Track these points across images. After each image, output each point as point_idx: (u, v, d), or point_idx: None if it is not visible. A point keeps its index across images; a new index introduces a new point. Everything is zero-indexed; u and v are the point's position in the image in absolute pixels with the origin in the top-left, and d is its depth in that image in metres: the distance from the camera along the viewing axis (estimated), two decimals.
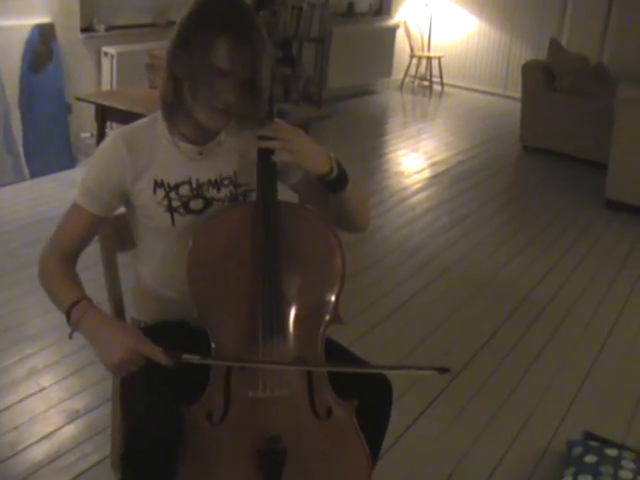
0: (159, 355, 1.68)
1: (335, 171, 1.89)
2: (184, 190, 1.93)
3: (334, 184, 1.91)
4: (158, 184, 1.92)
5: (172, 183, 1.92)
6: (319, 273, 1.90)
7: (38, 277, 1.88)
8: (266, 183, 1.87)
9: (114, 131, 2.01)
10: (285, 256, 1.82)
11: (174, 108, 1.88)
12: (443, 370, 1.75)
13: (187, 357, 1.68)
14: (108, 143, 1.94)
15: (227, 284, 1.84)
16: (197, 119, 1.85)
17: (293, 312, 1.83)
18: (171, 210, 1.93)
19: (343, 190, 1.93)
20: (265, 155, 1.86)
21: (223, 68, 1.75)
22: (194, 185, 1.94)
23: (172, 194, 1.92)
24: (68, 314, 1.76)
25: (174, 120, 1.90)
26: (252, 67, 1.77)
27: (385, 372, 1.92)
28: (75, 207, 1.92)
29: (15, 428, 2.80)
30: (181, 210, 1.93)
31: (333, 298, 1.89)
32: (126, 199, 1.95)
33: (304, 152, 1.85)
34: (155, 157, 1.92)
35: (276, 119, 1.91)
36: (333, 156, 1.91)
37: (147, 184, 1.91)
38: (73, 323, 1.75)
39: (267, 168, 1.87)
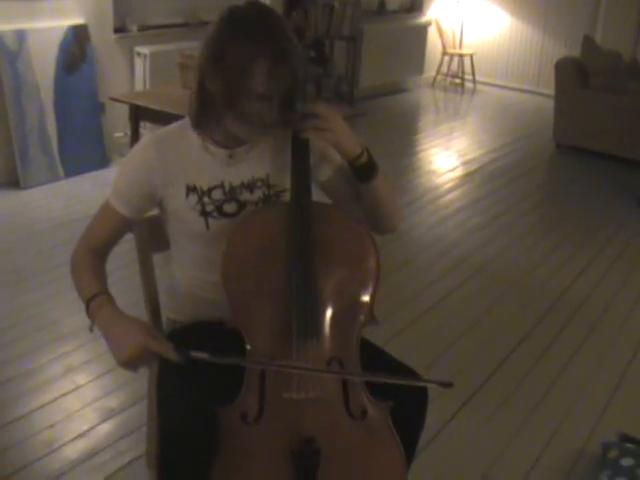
0: (169, 352, 1.70)
1: (365, 155, 1.92)
2: (217, 194, 1.94)
3: (365, 170, 1.93)
4: (191, 189, 1.92)
5: (205, 187, 1.93)
6: (353, 273, 1.90)
7: (70, 269, 1.93)
8: (300, 183, 1.88)
9: (146, 136, 2.01)
10: (319, 257, 1.82)
11: (205, 119, 1.88)
12: (446, 384, 1.75)
13: (195, 355, 1.69)
14: (139, 148, 1.96)
15: (261, 285, 1.84)
16: (230, 130, 1.86)
17: (328, 313, 1.83)
18: (205, 214, 1.93)
19: (374, 178, 1.95)
20: (300, 146, 1.89)
21: (260, 92, 1.74)
22: (227, 189, 1.95)
23: (205, 199, 1.93)
24: (87, 306, 1.81)
25: (204, 129, 1.91)
26: (289, 87, 1.76)
27: (385, 380, 1.83)
28: (107, 206, 1.96)
29: (51, 426, 2.83)
30: (215, 214, 1.94)
31: (368, 298, 1.88)
32: (158, 203, 1.97)
33: (340, 130, 1.88)
34: (187, 162, 1.92)
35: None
36: (363, 145, 1.93)
37: (179, 189, 1.92)
38: (90, 316, 1.80)
39: (301, 165, 1.89)
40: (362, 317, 1.87)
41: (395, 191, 5.83)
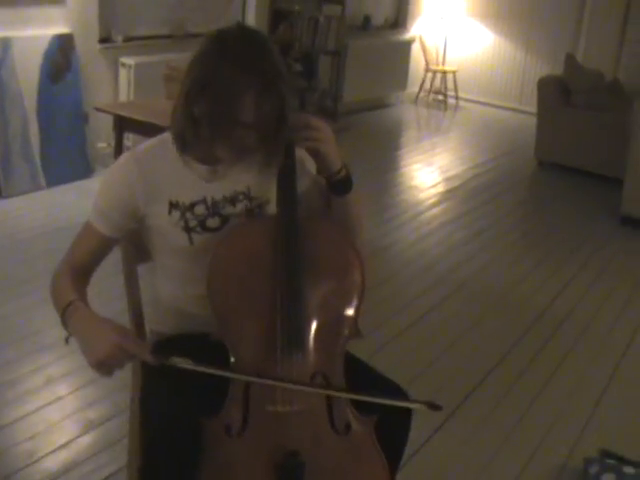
0: (145, 354, 1.67)
1: (344, 171, 1.95)
2: (200, 209, 1.93)
3: (341, 184, 1.96)
4: (173, 205, 1.91)
5: (187, 203, 1.92)
6: (339, 287, 1.90)
7: (50, 293, 1.87)
8: (287, 195, 1.89)
9: (125, 153, 1.99)
10: (305, 270, 1.82)
11: (190, 143, 1.86)
12: (435, 407, 1.71)
13: (176, 360, 1.66)
14: (119, 165, 1.93)
15: (246, 298, 1.84)
16: (214, 154, 1.85)
17: (312, 327, 1.83)
18: (188, 230, 1.93)
19: (348, 192, 1.98)
20: (288, 158, 1.90)
21: (247, 122, 1.73)
22: (209, 203, 1.94)
23: (188, 214, 1.92)
24: (62, 315, 1.75)
25: (188, 149, 1.89)
26: (278, 115, 1.74)
27: (372, 400, 1.78)
28: (87, 226, 1.93)
29: (31, 437, 2.80)
30: (198, 229, 1.93)
31: (352, 312, 1.88)
32: (139, 220, 1.95)
33: (329, 142, 1.90)
34: (168, 178, 1.91)
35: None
36: (342, 160, 1.95)
37: (162, 205, 1.91)
38: (65, 323, 1.74)
39: (288, 178, 1.90)
40: (347, 331, 1.87)
41: (377, 207, 5.84)
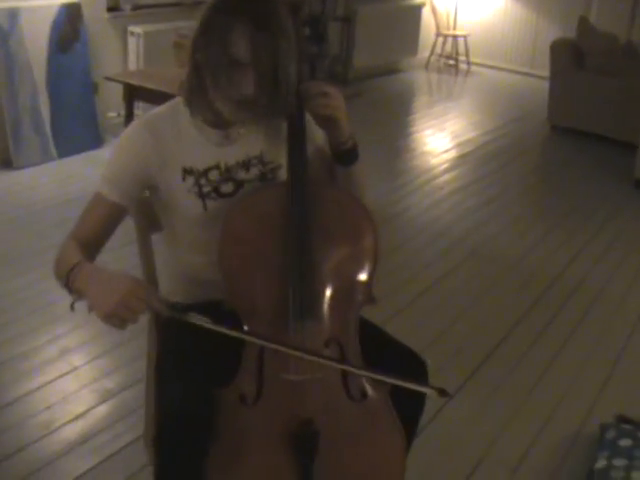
0: (156, 302, 1.64)
1: (351, 141, 1.94)
2: (213, 175, 1.92)
3: (348, 154, 1.95)
4: (187, 171, 1.90)
5: (201, 169, 1.91)
6: (351, 252, 1.89)
7: (53, 269, 1.81)
8: (297, 160, 1.87)
9: (136, 120, 1.98)
10: (316, 235, 1.82)
11: (196, 96, 1.86)
12: (445, 394, 1.70)
13: (192, 316, 1.64)
14: (131, 132, 1.91)
15: (257, 264, 1.84)
16: (218, 110, 1.82)
17: (325, 292, 1.82)
18: (202, 196, 1.91)
19: (354, 163, 1.96)
20: (298, 123, 1.88)
21: (241, 58, 1.71)
22: (223, 169, 1.93)
23: (202, 180, 1.91)
24: (67, 279, 1.69)
25: (196, 107, 1.89)
26: (272, 58, 1.71)
27: (386, 380, 1.75)
28: (97, 196, 1.88)
29: (48, 408, 2.82)
30: (213, 195, 1.92)
31: (366, 277, 1.87)
32: (151, 188, 1.93)
33: (342, 109, 1.88)
34: (181, 144, 1.90)
35: None
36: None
37: (175, 172, 1.90)
38: (71, 285, 1.68)
39: (298, 142, 1.88)
40: (360, 296, 1.86)
41: (389, 172, 5.80)
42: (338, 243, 1.88)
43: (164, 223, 2.06)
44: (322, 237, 1.83)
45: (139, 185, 1.90)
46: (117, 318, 1.59)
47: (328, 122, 1.90)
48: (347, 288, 1.86)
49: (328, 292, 1.83)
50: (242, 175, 1.95)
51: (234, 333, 1.68)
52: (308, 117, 1.92)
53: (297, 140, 1.90)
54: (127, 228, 2.10)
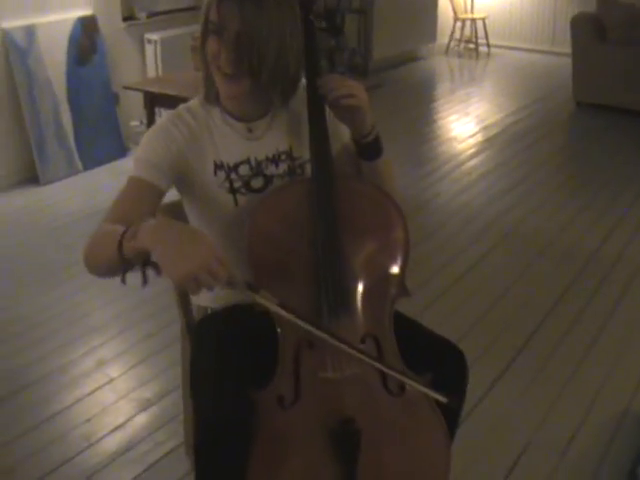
0: (232, 271, 1.52)
1: (374, 133, 1.90)
2: (244, 170, 1.91)
3: (372, 147, 1.91)
4: (218, 165, 1.89)
5: (232, 164, 1.90)
6: (381, 245, 1.86)
7: (83, 258, 1.70)
8: (321, 154, 1.85)
9: (167, 112, 1.97)
10: (345, 230, 1.79)
11: (207, 84, 1.88)
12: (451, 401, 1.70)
13: (264, 294, 1.56)
14: (164, 122, 1.89)
15: (287, 262, 1.81)
16: (219, 91, 1.84)
17: (357, 287, 1.79)
18: (233, 191, 1.90)
19: (378, 157, 1.93)
20: (317, 115, 1.86)
21: (214, 21, 1.73)
22: (253, 164, 1.91)
23: (233, 175, 1.90)
24: (120, 245, 1.51)
25: (209, 95, 1.90)
26: (238, 25, 1.70)
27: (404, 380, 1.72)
28: (131, 180, 1.81)
29: (88, 420, 2.82)
30: (243, 190, 1.91)
31: (398, 270, 1.84)
32: (183, 179, 1.90)
33: (364, 98, 1.85)
34: (211, 137, 1.90)
35: None
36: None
37: (208, 166, 1.89)
38: (128, 249, 1.50)
39: (320, 136, 1.85)
40: (393, 290, 1.82)
41: (416, 160, 5.75)
42: (367, 236, 1.85)
43: (192, 221, 2.03)
44: (351, 231, 1.80)
45: (174, 169, 1.84)
46: (195, 283, 1.43)
47: (351, 113, 1.86)
48: (379, 282, 1.82)
49: (360, 287, 1.79)
50: (272, 170, 1.93)
51: (300, 322, 1.62)
52: (330, 114, 1.90)
53: (319, 134, 1.87)
54: None
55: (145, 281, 1.50)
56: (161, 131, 1.87)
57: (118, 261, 1.52)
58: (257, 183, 1.92)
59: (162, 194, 1.84)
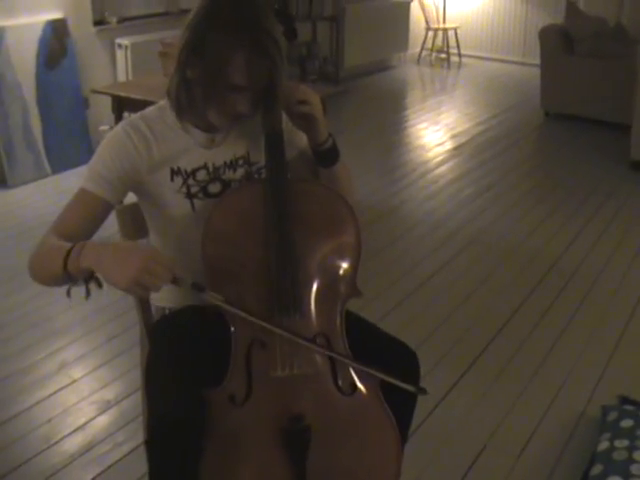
0: (178, 271, 1.60)
1: (330, 141, 1.96)
2: (201, 175, 1.93)
3: (328, 154, 1.97)
4: (175, 172, 1.91)
5: (189, 169, 1.92)
6: (333, 245, 1.89)
7: (28, 266, 1.76)
8: (274, 158, 1.88)
9: (124, 120, 1.97)
10: (297, 230, 1.82)
11: (185, 107, 1.88)
12: (422, 390, 1.76)
13: (212, 294, 1.65)
14: (120, 132, 1.89)
15: (241, 261, 1.84)
16: (209, 120, 1.86)
17: (309, 286, 1.82)
18: (190, 196, 1.92)
19: (334, 164, 1.99)
20: (272, 127, 1.89)
21: (239, 84, 1.75)
22: (210, 169, 1.94)
23: (190, 180, 1.92)
24: (65, 263, 1.61)
25: (185, 115, 1.91)
26: (268, 80, 1.77)
27: (371, 372, 1.77)
28: (82, 192, 1.85)
29: (48, 421, 2.82)
30: (200, 195, 1.93)
31: (349, 270, 1.88)
32: (138, 189, 1.93)
33: (318, 106, 1.90)
34: (168, 144, 1.91)
35: None
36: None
37: (164, 173, 1.91)
38: (72, 267, 1.60)
39: (274, 142, 1.88)
40: (344, 289, 1.86)
41: (384, 167, 5.79)
42: (320, 237, 1.88)
43: (151, 226, 2.05)
44: (303, 231, 1.84)
45: (126, 184, 1.87)
46: (140, 287, 1.53)
47: (305, 121, 1.91)
48: (331, 282, 1.86)
49: (312, 286, 1.82)
50: (229, 175, 1.96)
51: (243, 314, 1.70)
52: (287, 120, 1.95)
53: (274, 138, 1.90)
54: (111, 233, 2.11)
55: (88, 294, 1.62)
56: (115, 143, 1.88)
57: (63, 276, 1.63)
58: (214, 188, 1.95)
59: (111, 207, 1.88)
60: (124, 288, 1.53)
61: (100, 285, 1.61)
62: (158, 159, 1.89)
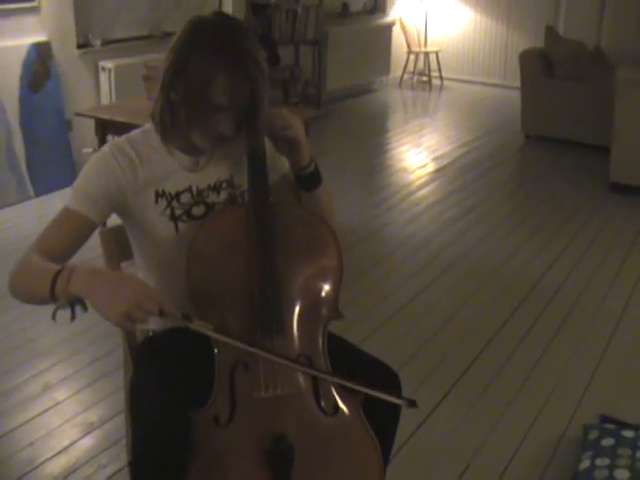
0: (167, 305, 1.61)
1: (313, 165, 1.99)
2: (185, 198, 1.95)
3: (310, 178, 1.99)
4: (159, 194, 1.93)
5: (173, 192, 1.94)
6: (315, 268, 1.92)
7: (9, 282, 1.77)
8: (257, 181, 1.91)
9: (110, 142, 1.99)
10: (280, 252, 1.85)
11: (169, 129, 1.91)
12: (412, 403, 1.75)
13: (198, 323, 1.66)
14: (106, 153, 1.91)
15: (224, 284, 1.86)
16: (193, 142, 1.89)
17: (291, 308, 1.84)
18: (174, 219, 1.94)
19: (317, 187, 2.01)
20: (255, 150, 1.92)
21: (221, 104, 1.78)
22: (194, 192, 1.96)
23: (174, 203, 1.94)
24: (53, 286, 1.62)
25: (169, 138, 1.93)
26: (250, 101, 1.80)
27: (355, 387, 1.77)
28: (66, 211, 1.86)
29: (31, 444, 2.81)
30: (184, 218, 1.95)
31: (331, 293, 1.90)
32: (122, 210, 1.95)
33: (300, 130, 1.93)
34: (153, 167, 1.93)
35: None
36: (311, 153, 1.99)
37: (148, 195, 1.93)
38: (60, 291, 1.61)
39: (257, 166, 1.92)
40: (326, 311, 1.88)
41: (366, 190, 5.81)
42: (302, 260, 1.91)
43: (135, 248, 2.07)
44: (286, 254, 1.86)
45: (111, 204, 1.89)
46: (130, 320, 1.55)
47: (289, 145, 1.94)
48: (313, 305, 1.88)
49: (294, 308, 1.84)
50: (213, 198, 1.98)
51: (231, 341, 1.71)
52: (269, 145, 1.97)
53: (257, 161, 1.93)
54: (94, 256, 2.12)
55: (74, 317, 1.62)
56: (101, 164, 1.90)
57: (48, 298, 1.63)
58: (198, 211, 1.97)
59: (94, 226, 1.88)
60: (115, 322, 1.55)
61: (85, 309, 1.62)
62: (143, 181, 1.91)
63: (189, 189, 1.95)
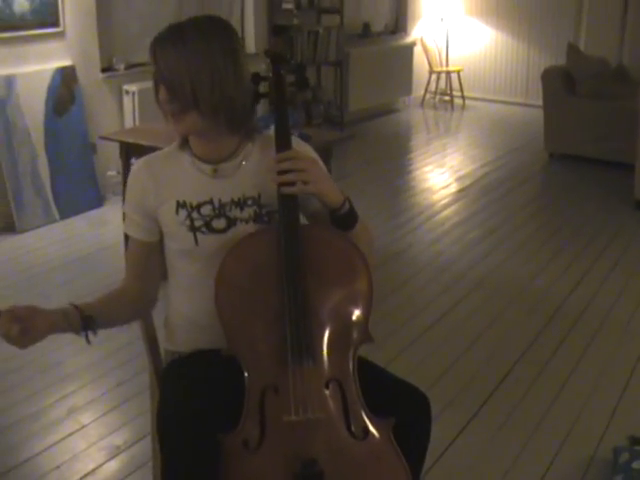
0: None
1: (347, 206, 1.93)
2: (206, 210, 1.96)
3: (344, 220, 1.94)
4: (180, 204, 1.96)
5: (194, 203, 1.96)
6: (346, 292, 1.90)
7: None
8: (287, 206, 1.89)
9: (141, 158, 2.07)
10: (311, 277, 1.83)
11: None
12: None
13: None
14: (132, 173, 2.03)
15: (254, 309, 1.85)
16: (175, 132, 1.96)
17: (322, 333, 1.83)
18: (194, 229, 1.95)
19: (352, 228, 1.95)
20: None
21: (153, 69, 1.91)
22: (216, 205, 1.97)
23: (194, 214, 1.96)
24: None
25: (183, 143, 2.01)
26: (169, 61, 1.87)
27: None
28: (129, 238, 2.05)
29: (57, 467, 2.81)
30: (203, 229, 1.96)
31: (362, 317, 1.88)
32: (157, 220, 2.00)
33: (319, 181, 1.88)
34: (177, 180, 1.97)
35: (293, 147, 1.93)
36: (344, 193, 1.94)
37: (170, 206, 1.96)
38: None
39: (288, 196, 1.89)
40: (357, 336, 1.86)
41: (390, 211, 5.80)
42: (333, 285, 1.89)
43: (167, 261, 2.09)
44: (317, 279, 1.85)
45: (150, 220, 2.00)
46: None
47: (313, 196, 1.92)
48: (344, 329, 1.86)
49: (325, 334, 1.83)
50: (235, 213, 1.98)
51: None
52: None
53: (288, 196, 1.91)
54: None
55: (88, 342, 1.91)
56: (131, 182, 2.03)
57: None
58: (219, 224, 1.97)
59: (153, 244, 2.02)
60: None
61: (95, 333, 1.91)
62: (166, 192, 1.97)
63: (210, 201, 1.96)
